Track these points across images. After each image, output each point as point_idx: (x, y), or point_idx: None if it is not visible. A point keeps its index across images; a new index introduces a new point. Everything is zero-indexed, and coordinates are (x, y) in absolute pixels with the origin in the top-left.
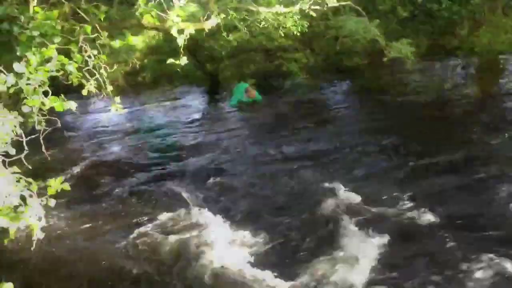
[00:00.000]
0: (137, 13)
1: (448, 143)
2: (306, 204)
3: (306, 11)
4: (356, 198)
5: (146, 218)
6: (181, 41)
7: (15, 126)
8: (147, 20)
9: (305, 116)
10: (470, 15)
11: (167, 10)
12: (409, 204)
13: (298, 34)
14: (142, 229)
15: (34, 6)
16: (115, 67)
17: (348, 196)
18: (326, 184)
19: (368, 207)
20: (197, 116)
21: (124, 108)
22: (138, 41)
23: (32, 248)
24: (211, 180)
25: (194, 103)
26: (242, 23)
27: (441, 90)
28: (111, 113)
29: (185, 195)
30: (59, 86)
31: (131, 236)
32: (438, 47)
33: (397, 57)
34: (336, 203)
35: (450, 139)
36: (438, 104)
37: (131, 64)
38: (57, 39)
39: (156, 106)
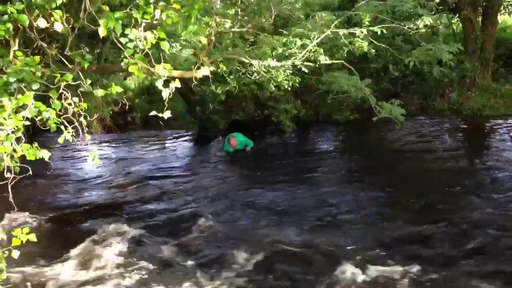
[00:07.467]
0: (122, 64)
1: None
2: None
3: (298, 66)
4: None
5: (120, 270)
6: (166, 94)
7: None
8: (132, 70)
9: (288, 166)
10: (460, 79)
11: (153, 63)
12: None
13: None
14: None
15: (14, 50)
16: (104, 106)
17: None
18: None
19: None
20: (181, 161)
21: (109, 148)
22: (129, 82)
23: None
24: (189, 227)
25: (181, 147)
26: (231, 76)
27: (424, 151)
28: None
29: (160, 243)
30: None
31: None
32: (428, 108)
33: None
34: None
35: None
36: (418, 164)
37: (120, 104)
38: (35, 86)
39: (142, 148)
